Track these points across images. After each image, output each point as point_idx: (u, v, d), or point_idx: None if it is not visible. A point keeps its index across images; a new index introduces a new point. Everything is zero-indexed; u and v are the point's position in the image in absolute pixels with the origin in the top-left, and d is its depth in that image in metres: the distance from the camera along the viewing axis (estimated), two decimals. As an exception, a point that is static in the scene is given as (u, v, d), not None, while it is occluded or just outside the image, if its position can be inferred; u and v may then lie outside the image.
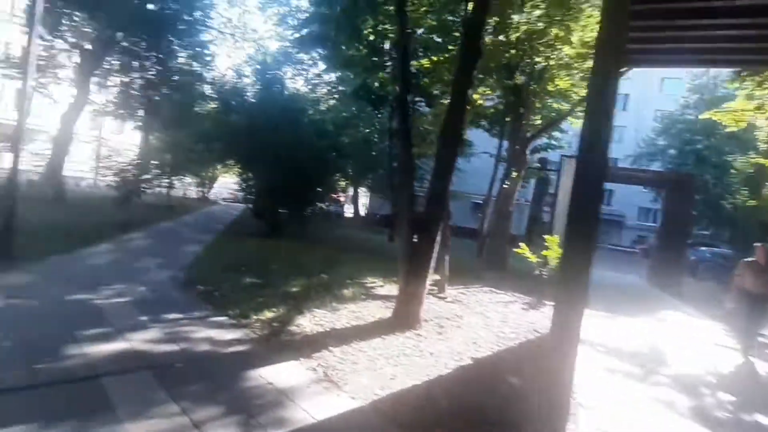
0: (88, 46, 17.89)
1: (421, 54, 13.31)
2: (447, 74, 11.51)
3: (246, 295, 6.12)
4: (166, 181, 20.57)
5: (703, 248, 21.67)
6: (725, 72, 17.60)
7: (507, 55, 11.74)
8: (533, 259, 9.94)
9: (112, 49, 18.11)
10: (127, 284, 6.18)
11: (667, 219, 16.20)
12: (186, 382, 3.46)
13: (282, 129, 13.17)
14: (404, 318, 5.60)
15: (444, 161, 5.87)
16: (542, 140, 18.63)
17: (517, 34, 11.77)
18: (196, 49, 20.98)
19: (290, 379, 3.73)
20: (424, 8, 11.71)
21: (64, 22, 17.22)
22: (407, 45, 6.66)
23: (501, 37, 11.49)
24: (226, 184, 32.75)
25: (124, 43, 18.31)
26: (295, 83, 23.33)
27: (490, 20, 8.71)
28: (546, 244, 9.75)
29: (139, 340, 4.18)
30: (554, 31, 11.03)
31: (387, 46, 14.00)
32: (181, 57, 21.14)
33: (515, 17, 11.73)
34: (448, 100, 6.69)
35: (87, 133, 28.71)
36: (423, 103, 15.61)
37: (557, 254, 9.59)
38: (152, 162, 18.81)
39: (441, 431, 3.17)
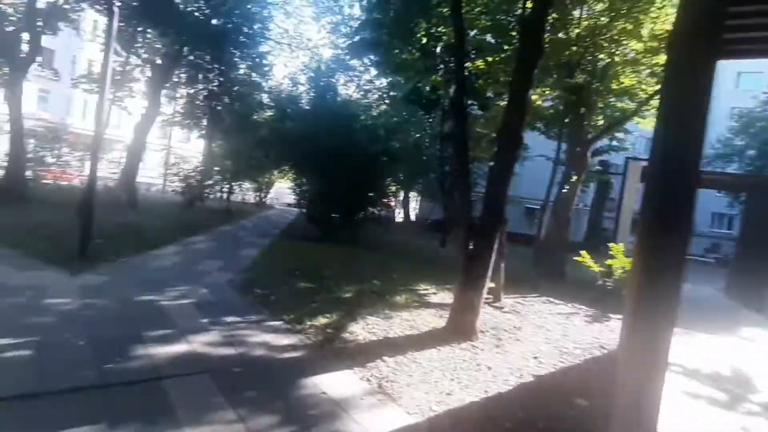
0: (159, 61, 19.28)
1: (473, 56, 13.00)
2: (503, 75, 11.13)
3: (300, 300, 6.18)
4: (226, 186, 21.64)
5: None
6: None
7: (567, 52, 11.15)
8: (596, 268, 9.32)
9: (179, 63, 19.37)
10: (189, 286, 6.46)
11: (749, 226, 14.62)
12: (243, 388, 3.49)
13: (334, 135, 13.37)
14: (460, 328, 5.38)
15: (502, 165, 5.59)
16: (603, 142, 17.55)
17: (578, 31, 11.17)
18: (255, 60, 21.94)
19: (344, 389, 3.66)
20: (478, 8, 11.42)
21: (138, 39, 18.72)
22: (462, 46, 6.45)
23: (560, 35, 10.95)
24: (282, 189, 33.91)
25: (191, 57, 19.53)
26: (348, 89, 23.78)
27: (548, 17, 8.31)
28: (610, 252, 9.11)
29: (199, 343, 4.30)
30: (620, 24, 10.33)
31: (438, 49, 13.82)
32: (241, 68, 22.20)
33: (575, 12, 11.15)
34: (505, 102, 6.41)
35: (157, 142, 31.02)
36: (475, 107, 15.24)
37: (624, 264, 8.92)
38: (214, 168, 19.86)
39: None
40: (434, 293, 7.87)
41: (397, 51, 12.84)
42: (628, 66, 11.82)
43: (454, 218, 19.24)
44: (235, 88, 21.69)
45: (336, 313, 5.74)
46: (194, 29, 17.05)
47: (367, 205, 15.98)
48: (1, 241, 7.53)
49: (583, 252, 9.56)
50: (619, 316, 7.43)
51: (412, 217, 34.62)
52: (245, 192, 30.95)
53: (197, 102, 22.34)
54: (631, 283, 3.89)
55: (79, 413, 2.84)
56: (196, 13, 17.93)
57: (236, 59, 21.06)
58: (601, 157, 19.32)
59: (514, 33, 10.47)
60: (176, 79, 21.06)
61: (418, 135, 23.94)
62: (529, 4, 6.07)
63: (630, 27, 10.06)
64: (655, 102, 11.87)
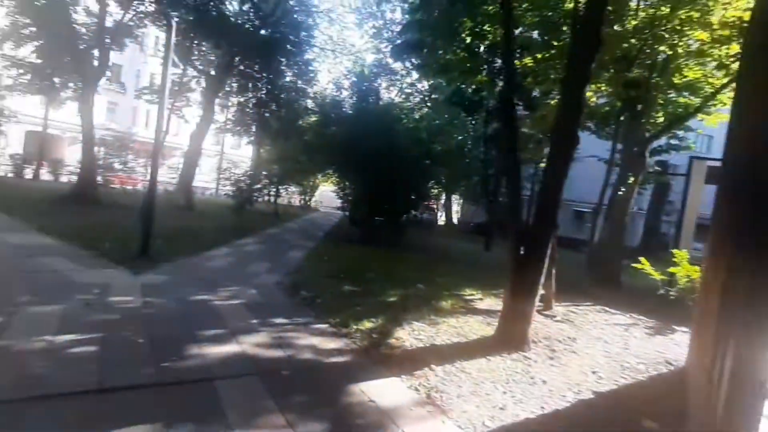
0: (213, 72, 20.27)
1: (518, 54, 12.57)
2: (554, 72, 10.67)
3: (345, 303, 6.18)
4: (274, 190, 22.32)
5: None
6: None
7: (624, 45, 10.51)
8: (656, 275, 8.68)
9: (231, 73, 20.25)
10: (240, 287, 6.64)
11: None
12: (291, 392, 3.49)
13: (377, 138, 13.40)
14: (510, 337, 5.15)
15: (555, 167, 5.31)
16: (661, 141, 16.36)
17: (635, 22, 10.50)
18: (301, 67, 22.55)
19: (392, 398, 3.57)
20: (525, 4, 11.03)
21: (194, 52, 19.78)
22: (510, 40, 6.20)
23: (616, 27, 10.34)
24: (326, 192, 34.54)
25: (241, 67, 20.38)
26: (390, 93, 23.83)
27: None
28: (672, 259, 8.45)
29: (249, 344, 4.38)
30: (684, 13, 9.60)
31: (482, 48, 13.50)
32: (288, 75, 22.88)
33: (632, 3, 10.50)
34: (555, 100, 6.11)
35: (211, 149, 32.64)
36: (521, 107, 14.74)
37: (689, 272, 8.24)
38: (262, 173, 20.55)
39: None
40: (480, 299, 7.63)
41: (441, 52, 12.67)
42: (692, 58, 10.96)
43: (498, 221, 18.73)
44: (282, 95, 22.37)
45: (381, 317, 5.67)
46: (244, 40, 17.78)
47: (410, 208, 15.88)
48: (74, 241, 8.14)
49: (642, 258, 8.95)
50: (685, 329, 6.85)
51: (455, 220, 34.12)
52: (291, 195, 31.83)
53: (247, 109, 23.26)
54: (705, 294, 3.53)
55: (137, 411, 2.93)
56: (246, 25, 18.71)
57: (283, 67, 21.74)
58: (660, 157, 18.04)
59: (566, 28, 10.02)
60: (228, 89, 22.05)
61: (460, 137, 23.56)
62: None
63: (696, 15, 9.31)
64: (723, 96, 10.94)
